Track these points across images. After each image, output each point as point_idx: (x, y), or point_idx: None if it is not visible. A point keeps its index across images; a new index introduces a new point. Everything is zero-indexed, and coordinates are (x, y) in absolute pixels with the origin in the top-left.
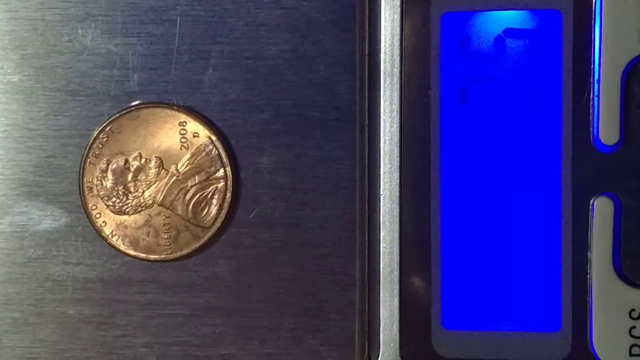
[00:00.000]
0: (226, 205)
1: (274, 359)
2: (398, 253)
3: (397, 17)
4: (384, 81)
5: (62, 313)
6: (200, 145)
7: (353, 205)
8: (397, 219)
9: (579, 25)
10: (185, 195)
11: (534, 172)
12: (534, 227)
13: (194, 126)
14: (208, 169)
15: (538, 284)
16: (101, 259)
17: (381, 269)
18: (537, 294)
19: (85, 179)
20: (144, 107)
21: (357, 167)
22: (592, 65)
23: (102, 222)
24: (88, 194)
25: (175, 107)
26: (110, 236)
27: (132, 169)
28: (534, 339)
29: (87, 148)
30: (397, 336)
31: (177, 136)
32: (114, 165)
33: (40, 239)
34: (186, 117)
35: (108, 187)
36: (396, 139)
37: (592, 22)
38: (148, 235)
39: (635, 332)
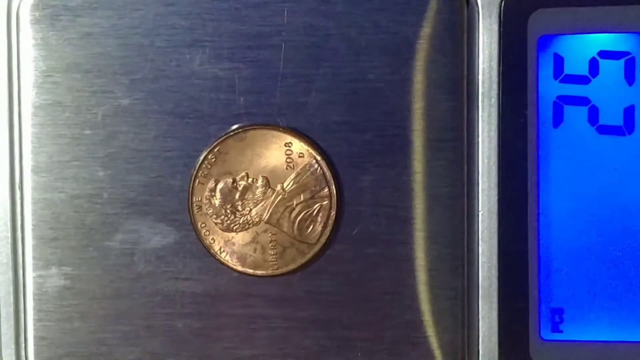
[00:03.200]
0: (330, 222)
1: None
2: (496, 267)
3: (495, 39)
4: (482, 102)
5: (171, 326)
6: (305, 165)
7: (453, 221)
8: (495, 235)
9: None
10: (291, 213)
11: (633, 193)
12: (634, 243)
13: (299, 147)
14: (313, 188)
15: (637, 295)
16: (209, 274)
17: (480, 283)
18: (637, 305)
19: (194, 197)
20: (251, 129)
21: (457, 185)
22: None
23: (211, 239)
24: (197, 212)
25: (280, 129)
26: (218, 252)
27: (239, 188)
28: (635, 349)
29: (196, 168)
30: (496, 348)
31: (282, 156)
32: (222, 185)
33: (150, 255)
34: (291, 138)
35: (216, 205)
36: (494, 158)
37: None
38: (255, 252)
39: None
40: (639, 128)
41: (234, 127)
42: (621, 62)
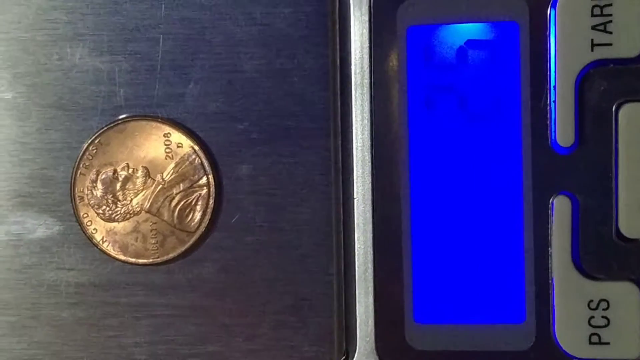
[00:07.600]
0: (209, 211)
1: (257, 355)
2: (372, 253)
3: (366, 31)
4: (355, 91)
5: (57, 316)
6: (184, 155)
7: (329, 208)
8: (370, 221)
9: (535, 35)
10: (170, 202)
11: (497, 174)
12: (498, 225)
13: (177, 137)
14: (192, 177)
15: (503, 278)
16: (93, 264)
17: (356, 268)
18: (502, 288)
19: (76, 189)
20: (130, 120)
21: (332, 172)
22: (548, 73)
23: (93, 230)
24: (79, 203)
25: (159, 120)
26: (101, 242)
27: (120, 179)
28: (500, 330)
29: (78, 160)
30: (373, 331)
31: (162, 147)
32: (103, 176)
33: (34, 246)
34: (170, 128)
35: (98, 196)
36: (368, 144)
37: (547, 32)
38: (136, 241)
39: (593, 322)
40: (505, 113)
41: (115, 118)
42: (487, 50)
